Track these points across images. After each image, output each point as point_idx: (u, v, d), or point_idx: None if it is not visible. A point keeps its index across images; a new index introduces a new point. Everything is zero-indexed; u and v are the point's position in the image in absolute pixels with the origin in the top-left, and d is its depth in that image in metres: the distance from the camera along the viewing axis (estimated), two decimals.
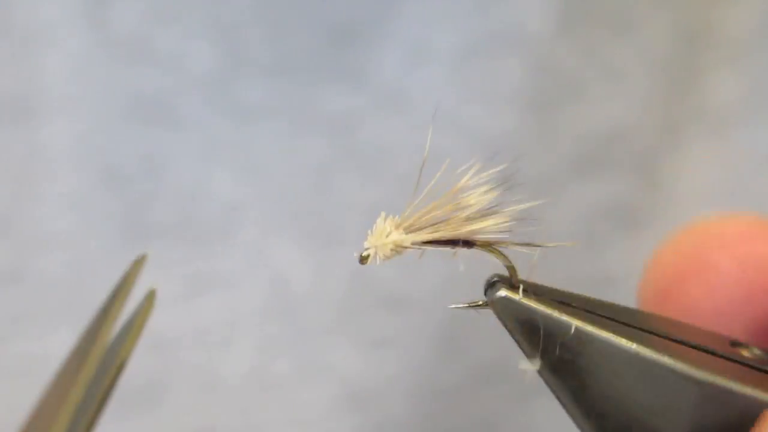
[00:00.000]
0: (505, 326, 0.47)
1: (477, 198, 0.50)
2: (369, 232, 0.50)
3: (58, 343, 0.94)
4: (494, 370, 0.95)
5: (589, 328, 0.46)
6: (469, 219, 0.50)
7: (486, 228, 0.50)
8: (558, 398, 0.46)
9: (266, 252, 0.95)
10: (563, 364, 0.45)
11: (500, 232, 0.49)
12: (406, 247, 0.50)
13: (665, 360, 0.45)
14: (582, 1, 0.96)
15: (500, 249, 0.49)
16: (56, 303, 0.95)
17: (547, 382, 0.46)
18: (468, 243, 0.50)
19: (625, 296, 0.94)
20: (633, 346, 0.45)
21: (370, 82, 0.95)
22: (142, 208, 0.95)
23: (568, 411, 0.46)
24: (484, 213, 0.50)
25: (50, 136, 0.94)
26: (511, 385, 0.95)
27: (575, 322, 0.46)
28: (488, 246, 0.50)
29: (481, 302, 0.48)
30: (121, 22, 0.94)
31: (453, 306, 0.49)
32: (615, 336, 0.46)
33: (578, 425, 0.46)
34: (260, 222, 0.95)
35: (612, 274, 0.96)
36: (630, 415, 0.44)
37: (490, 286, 0.47)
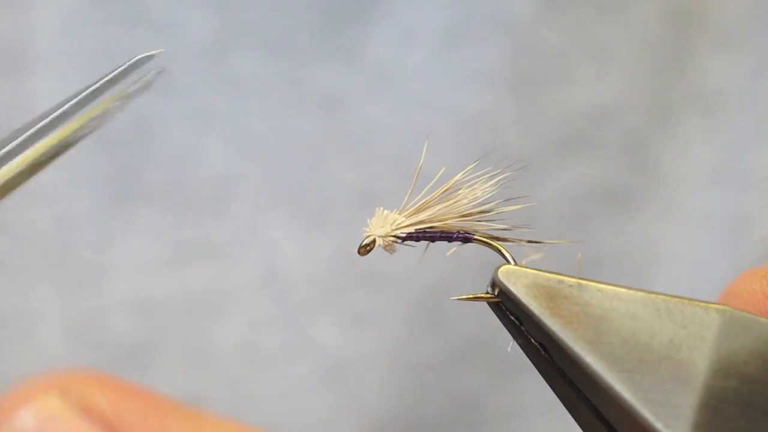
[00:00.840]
0: (512, 298, 0.47)
1: (473, 193, 0.50)
2: (368, 220, 0.51)
3: (39, 298, 0.94)
4: (476, 347, 0.96)
5: (595, 283, 0.47)
6: (466, 213, 0.50)
7: (483, 222, 0.50)
8: (565, 356, 0.46)
9: (257, 226, 0.95)
10: (574, 316, 0.46)
11: (498, 228, 0.50)
12: (404, 239, 0.50)
13: (680, 297, 0.46)
14: None
15: (498, 244, 0.50)
16: (39, 257, 0.95)
17: (558, 341, 0.46)
18: (466, 238, 0.50)
19: (614, 277, 0.96)
20: (643, 293, 0.46)
21: (361, 61, 0.95)
22: (132, 170, 0.95)
23: (573, 370, 0.46)
24: (481, 207, 0.50)
25: (40, 90, 0.94)
26: (493, 362, 0.96)
27: (581, 280, 0.47)
28: (486, 241, 0.50)
29: (483, 294, 0.48)
30: None
31: (454, 298, 0.49)
32: (622, 287, 0.47)
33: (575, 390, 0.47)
34: (251, 195, 0.95)
35: (601, 255, 0.97)
36: (651, 352, 0.45)
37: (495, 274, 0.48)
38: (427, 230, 0.50)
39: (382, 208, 0.50)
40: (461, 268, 0.92)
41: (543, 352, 0.47)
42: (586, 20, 0.96)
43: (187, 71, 0.94)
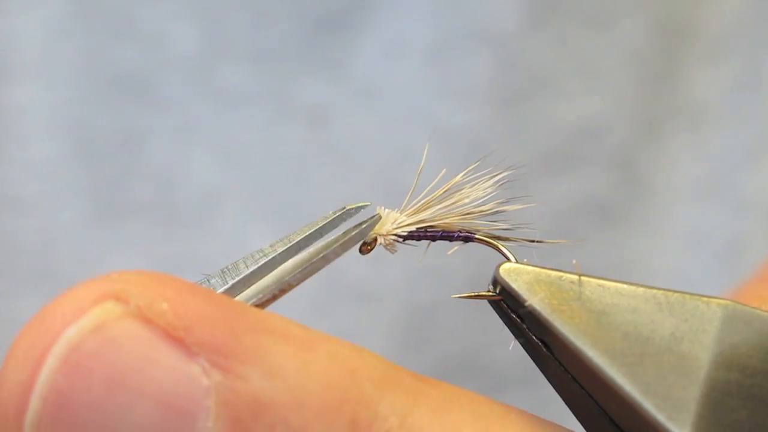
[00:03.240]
0: (514, 295, 0.47)
1: (473, 194, 0.51)
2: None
3: (22, 309, 0.93)
4: (461, 363, 0.96)
5: (596, 279, 0.48)
6: (467, 213, 0.51)
7: (482, 222, 0.51)
8: (567, 351, 0.46)
9: (242, 240, 0.95)
10: (575, 312, 0.46)
11: (499, 228, 0.50)
12: (405, 238, 0.51)
13: (681, 291, 0.47)
14: None
15: (499, 243, 0.50)
16: (21, 268, 0.94)
17: (560, 337, 0.46)
18: (467, 237, 0.51)
19: None
20: (644, 288, 0.47)
21: (347, 75, 0.95)
22: (117, 184, 0.95)
23: (574, 360, 0.46)
24: (481, 207, 0.51)
25: (24, 101, 0.93)
26: (480, 378, 0.96)
27: (581, 276, 0.48)
28: (487, 240, 0.51)
29: (485, 292, 0.48)
30: None
31: (456, 296, 0.50)
32: (623, 282, 0.47)
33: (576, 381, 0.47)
34: (236, 209, 0.95)
35: (590, 268, 0.97)
36: (652, 345, 0.45)
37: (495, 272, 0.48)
38: (428, 229, 0.51)
39: (383, 207, 0.50)
40: (448, 285, 0.92)
41: (544, 349, 0.47)
42: (572, 34, 0.97)
43: (173, 84, 0.94)
